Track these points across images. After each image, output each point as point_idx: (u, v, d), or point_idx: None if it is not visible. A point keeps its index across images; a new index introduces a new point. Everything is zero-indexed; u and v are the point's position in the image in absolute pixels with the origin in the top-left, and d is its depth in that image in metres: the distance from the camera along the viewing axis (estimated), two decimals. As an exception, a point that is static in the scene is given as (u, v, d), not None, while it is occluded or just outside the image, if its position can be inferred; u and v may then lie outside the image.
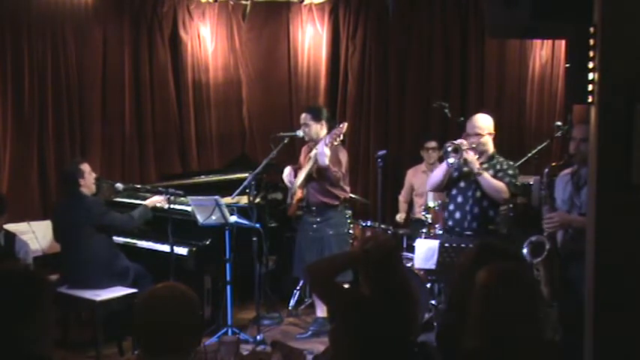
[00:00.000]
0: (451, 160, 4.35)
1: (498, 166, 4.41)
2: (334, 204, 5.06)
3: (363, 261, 2.69)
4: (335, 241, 4.95)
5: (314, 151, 4.88)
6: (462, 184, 4.45)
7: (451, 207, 4.51)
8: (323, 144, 4.77)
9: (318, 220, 5.07)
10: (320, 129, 5.04)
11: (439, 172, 4.52)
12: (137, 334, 2.76)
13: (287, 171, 5.23)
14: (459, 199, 4.45)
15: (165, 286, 2.10)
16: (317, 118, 5.06)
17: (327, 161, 4.77)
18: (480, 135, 4.39)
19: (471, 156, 4.33)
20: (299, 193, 5.10)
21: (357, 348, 2.60)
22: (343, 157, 5.04)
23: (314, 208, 5.08)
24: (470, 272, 2.28)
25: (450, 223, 4.50)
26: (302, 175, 5.05)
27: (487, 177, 4.32)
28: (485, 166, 4.40)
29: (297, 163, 5.34)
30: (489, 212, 4.40)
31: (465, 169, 4.41)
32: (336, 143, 4.80)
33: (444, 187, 4.59)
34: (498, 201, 4.39)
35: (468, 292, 2.21)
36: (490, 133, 4.45)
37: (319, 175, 4.93)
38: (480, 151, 4.41)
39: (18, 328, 1.97)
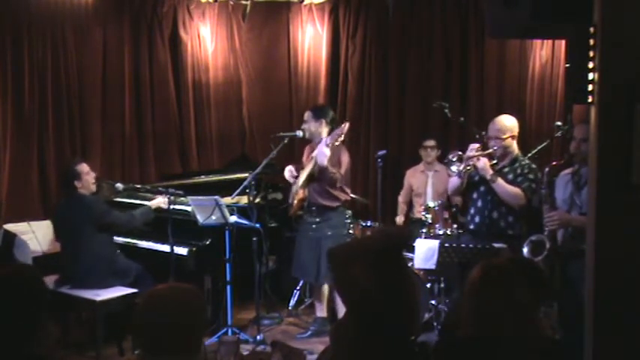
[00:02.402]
0: (453, 167, 4.35)
1: (519, 170, 4.32)
2: (334, 206, 5.06)
3: (373, 250, 2.64)
4: (332, 242, 4.91)
5: (315, 151, 4.89)
6: (482, 189, 4.39)
7: (472, 210, 4.47)
8: (324, 144, 4.77)
9: (318, 220, 5.07)
10: (318, 127, 5.05)
11: (457, 177, 4.49)
12: (137, 334, 2.76)
13: (288, 169, 5.22)
14: (479, 204, 4.40)
15: (166, 286, 2.10)
16: (316, 116, 5.08)
17: (325, 161, 4.77)
18: (499, 138, 4.31)
19: (482, 163, 4.28)
20: (301, 193, 5.09)
21: (358, 347, 2.59)
22: (345, 158, 5.02)
23: (314, 208, 5.07)
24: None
25: (471, 226, 4.46)
26: (304, 175, 5.04)
27: (501, 183, 4.25)
28: (506, 169, 4.34)
29: (300, 162, 5.32)
30: (508, 217, 4.31)
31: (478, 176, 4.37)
32: (337, 143, 4.77)
33: (465, 191, 4.57)
34: (514, 207, 4.28)
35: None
36: (513, 136, 4.35)
37: (319, 176, 4.94)
38: (502, 154, 4.34)
39: (19, 328, 1.98)
